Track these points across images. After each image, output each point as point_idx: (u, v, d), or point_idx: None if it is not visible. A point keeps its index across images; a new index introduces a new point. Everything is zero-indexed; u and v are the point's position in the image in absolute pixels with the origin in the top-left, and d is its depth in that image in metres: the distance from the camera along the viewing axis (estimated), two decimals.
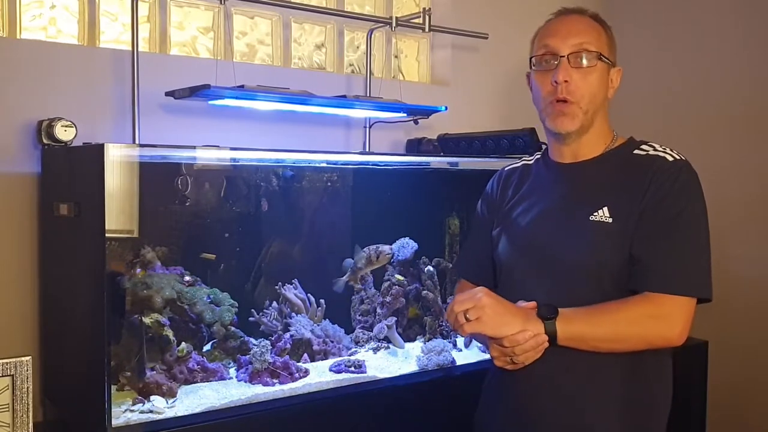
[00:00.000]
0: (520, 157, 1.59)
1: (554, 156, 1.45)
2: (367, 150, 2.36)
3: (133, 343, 1.65)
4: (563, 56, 1.33)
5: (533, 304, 1.29)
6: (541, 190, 1.45)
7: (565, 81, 1.32)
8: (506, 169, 1.58)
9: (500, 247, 1.46)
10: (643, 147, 1.36)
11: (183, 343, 1.74)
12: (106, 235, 1.47)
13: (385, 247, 2.10)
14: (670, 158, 1.32)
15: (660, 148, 1.35)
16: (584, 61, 1.33)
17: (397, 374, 1.91)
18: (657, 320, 1.25)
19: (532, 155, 1.55)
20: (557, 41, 1.34)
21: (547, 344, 1.26)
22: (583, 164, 1.40)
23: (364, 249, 2.10)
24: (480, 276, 1.51)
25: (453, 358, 2.02)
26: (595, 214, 1.31)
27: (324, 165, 2.23)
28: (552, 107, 1.35)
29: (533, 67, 1.40)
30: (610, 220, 1.30)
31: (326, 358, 1.95)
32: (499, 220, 1.50)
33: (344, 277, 2.12)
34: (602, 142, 1.40)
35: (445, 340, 2.10)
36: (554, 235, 1.36)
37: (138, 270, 1.76)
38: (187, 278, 1.83)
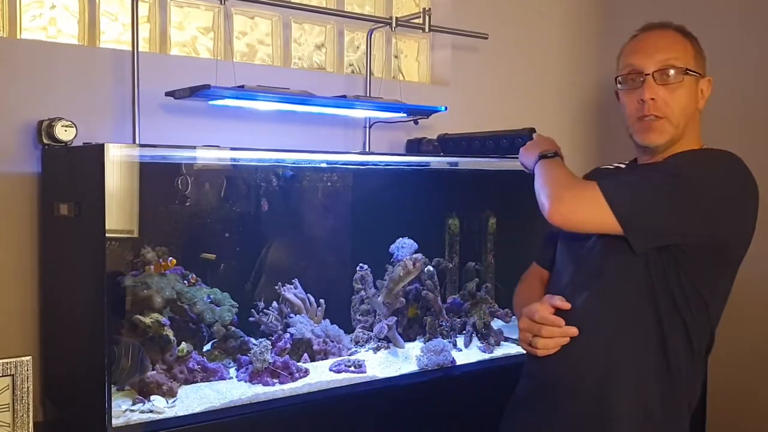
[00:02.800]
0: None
1: (639, 159, 1.48)
2: (367, 150, 2.36)
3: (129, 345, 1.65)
4: (648, 74, 1.34)
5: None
6: None
7: (652, 99, 1.33)
8: (601, 167, 1.59)
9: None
10: None
11: (183, 343, 1.74)
12: (106, 235, 1.47)
13: (417, 255, 2.10)
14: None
15: None
16: (671, 77, 1.34)
17: (397, 374, 1.91)
18: (572, 195, 1.29)
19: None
20: (642, 59, 1.35)
21: (567, 340, 1.32)
22: (650, 163, 1.41)
23: (396, 263, 2.09)
24: (546, 261, 1.56)
25: (453, 358, 2.02)
26: None
27: (324, 165, 2.23)
28: (640, 123, 1.37)
29: (619, 86, 1.41)
30: None
31: (326, 358, 1.95)
32: None
33: (380, 297, 2.10)
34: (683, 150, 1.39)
35: (445, 340, 2.10)
36: None
37: (170, 259, 1.78)
38: (189, 277, 1.83)
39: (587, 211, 1.27)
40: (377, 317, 2.12)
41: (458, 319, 2.25)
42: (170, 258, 1.79)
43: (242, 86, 1.82)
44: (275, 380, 1.76)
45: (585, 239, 1.38)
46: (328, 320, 2.08)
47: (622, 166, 1.55)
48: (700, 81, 1.38)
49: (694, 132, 1.40)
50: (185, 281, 1.82)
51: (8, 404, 1.51)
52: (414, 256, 2.09)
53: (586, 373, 1.34)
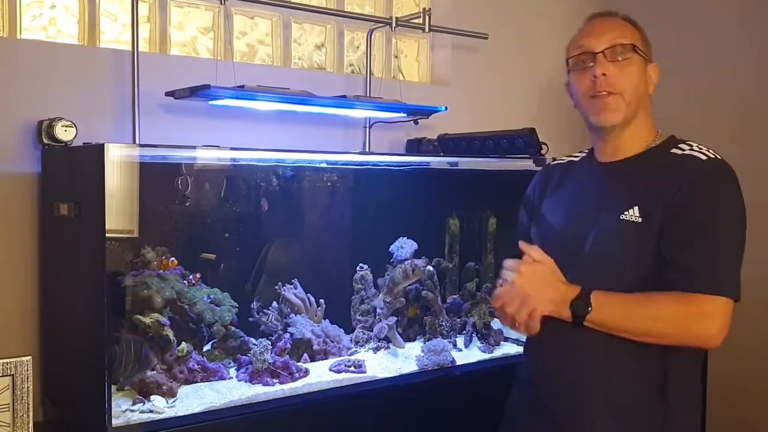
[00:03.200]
0: (537, 158, 1.58)
1: (596, 154, 1.47)
2: (367, 150, 2.36)
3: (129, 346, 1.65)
4: (599, 52, 1.36)
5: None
6: (577, 189, 1.48)
7: (603, 74, 1.35)
8: (552, 164, 1.60)
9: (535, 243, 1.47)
10: (681, 146, 1.37)
11: (183, 343, 1.74)
12: (106, 235, 1.47)
13: (418, 261, 2.09)
14: (704, 157, 1.32)
15: (696, 147, 1.35)
16: (620, 54, 1.37)
17: (397, 374, 1.91)
18: (698, 318, 1.25)
19: (579, 153, 1.55)
20: (591, 40, 1.39)
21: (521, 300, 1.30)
22: (621, 163, 1.41)
23: (397, 265, 2.09)
24: None
25: (453, 358, 2.02)
26: (626, 213, 1.33)
27: (324, 165, 2.23)
28: (594, 103, 1.38)
29: (571, 70, 1.43)
30: (640, 219, 1.31)
31: (326, 358, 1.95)
32: (534, 219, 1.53)
33: (380, 295, 2.11)
34: (643, 140, 1.40)
35: (445, 340, 2.10)
36: (583, 232, 1.37)
37: (171, 259, 1.79)
38: (190, 277, 1.83)
39: (726, 318, 1.27)
40: (377, 317, 2.12)
41: (458, 319, 2.25)
42: (172, 258, 1.79)
43: (242, 86, 1.83)
44: (275, 380, 1.76)
45: (583, 240, 1.37)
46: (328, 320, 2.08)
47: (576, 159, 1.55)
48: (648, 66, 1.41)
49: (648, 117, 1.42)
50: (185, 282, 1.82)
51: (8, 404, 1.51)
52: (415, 262, 2.08)
53: (581, 367, 1.35)
